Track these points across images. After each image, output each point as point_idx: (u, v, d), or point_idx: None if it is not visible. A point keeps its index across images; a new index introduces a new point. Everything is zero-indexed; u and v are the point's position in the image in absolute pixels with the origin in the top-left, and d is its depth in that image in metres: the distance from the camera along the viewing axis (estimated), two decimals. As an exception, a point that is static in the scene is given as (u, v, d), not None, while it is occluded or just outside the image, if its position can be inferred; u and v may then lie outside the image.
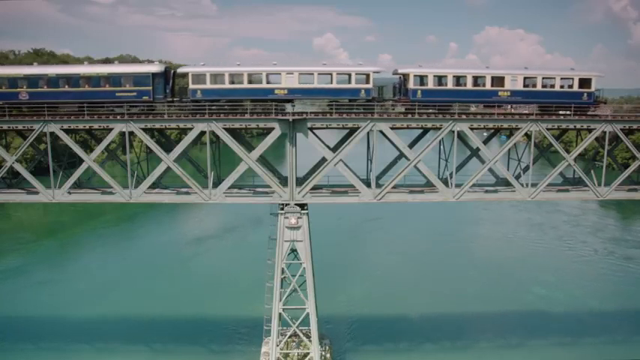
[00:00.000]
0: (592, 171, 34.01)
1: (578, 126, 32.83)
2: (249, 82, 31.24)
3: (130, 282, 52.17)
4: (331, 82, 31.30)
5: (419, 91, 31.43)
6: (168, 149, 31.86)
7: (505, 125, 32.72)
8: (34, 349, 38.83)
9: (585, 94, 32.10)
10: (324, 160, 32.45)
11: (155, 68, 31.01)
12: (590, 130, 32.62)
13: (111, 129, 30.82)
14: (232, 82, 31.21)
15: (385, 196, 32.18)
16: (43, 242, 67.17)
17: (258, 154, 31.52)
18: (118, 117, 30.72)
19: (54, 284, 51.61)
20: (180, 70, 32.43)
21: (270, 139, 31.12)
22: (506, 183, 33.71)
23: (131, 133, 30.92)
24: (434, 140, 32.06)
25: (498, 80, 31.98)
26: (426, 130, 34.31)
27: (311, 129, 31.54)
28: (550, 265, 59.41)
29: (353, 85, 31.25)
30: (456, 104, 31.59)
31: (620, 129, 32.08)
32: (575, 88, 32.20)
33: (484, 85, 32.05)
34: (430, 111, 32.31)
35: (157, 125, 31.21)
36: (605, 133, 32.35)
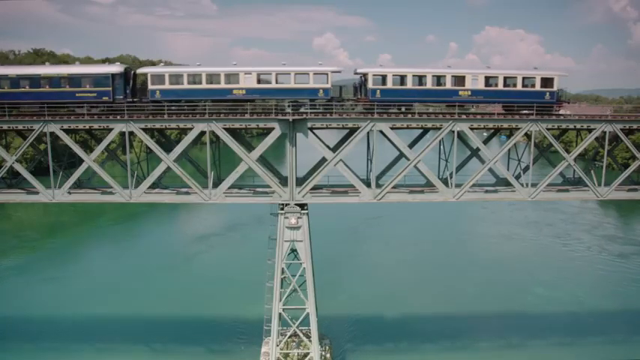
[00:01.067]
0: (592, 171, 34.02)
1: (578, 126, 32.83)
2: (208, 82, 31.30)
3: (130, 282, 52.16)
4: (290, 83, 31.29)
5: (378, 91, 31.24)
6: (168, 149, 31.85)
7: (505, 125, 32.72)
8: (34, 349, 38.82)
9: (548, 94, 32.02)
10: (324, 160, 32.44)
11: (115, 69, 31.14)
12: (590, 130, 32.61)
13: (111, 129, 30.82)
14: (191, 83, 31.27)
15: (385, 196, 32.18)
16: (43, 242, 67.12)
17: (258, 154, 31.52)
18: (118, 117, 30.73)
19: (54, 284, 51.57)
20: (139, 71, 32.44)
21: (270, 139, 31.12)
22: (506, 183, 33.70)
23: (131, 133, 30.92)
24: (434, 140, 32.05)
25: (459, 80, 31.85)
26: (426, 130, 34.31)
27: (311, 129, 31.53)
28: (550, 265, 59.44)
29: (311, 85, 31.21)
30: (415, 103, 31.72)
31: (620, 129, 32.07)
32: (538, 87, 32.07)
33: (445, 84, 31.89)
34: (430, 111, 32.33)
35: (157, 125, 31.21)
36: (605, 133, 32.34)
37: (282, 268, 32.40)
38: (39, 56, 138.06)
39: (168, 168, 31.26)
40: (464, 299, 48.71)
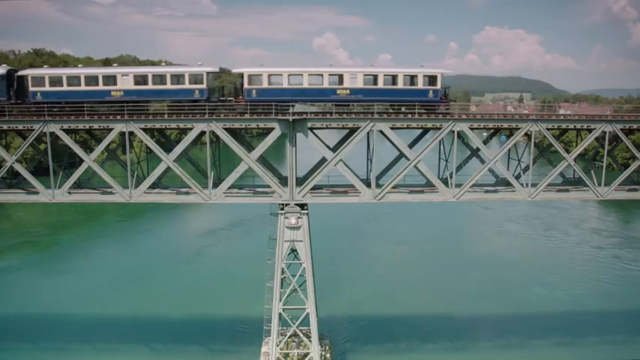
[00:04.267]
0: (592, 171, 34.00)
1: (578, 126, 32.81)
2: (87, 84, 31.19)
3: (130, 282, 52.14)
4: (166, 84, 31.12)
5: (254, 91, 30.88)
6: (168, 149, 31.84)
7: (505, 125, 32.69)
8: (34, 349, 38.85)
9: (431, 92, 31.20)
10: (324, 160, 32.43)
11: None
12: (590, 130, 32.59)
13: (111, 129, 30.83)
14: (70, 85, 31.20)
15: (385, 196, 32.17)
16: (43, 242, 67.10)
17: (258, 154, 31.51)
18: (118, 117, 30.72)
19: (54, 284, 51.58)
20: (20, 73, 32.09)
21: (270, 139, 31.11)
22: (506, 183, 33.69)
23: (131, 133, 30.92)
24: (434, 140, 32.02)
25: (337, 78, 31.27)
26: (426, 130, 34.29)
27: (311, 129, 31.52)
28: (550, 265, 59.42)
29: (187, 85, 31.07)
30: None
31: (620, 129, 32.06)
32: (420, 85, 31.23)
33: (322, 83, 31.28)
34: (423, 112, 32.00)
35: (157, 125, 31.21)
36: (605, 133, 32.32)
37: (282, 268, 32.39)
38: (39, 56, 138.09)
39: (168, 168, 31.25)
40: (464, 299, 48.71)
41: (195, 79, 31.03)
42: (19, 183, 34.31)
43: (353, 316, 44.39)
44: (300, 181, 32.28)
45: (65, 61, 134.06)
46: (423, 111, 31.40)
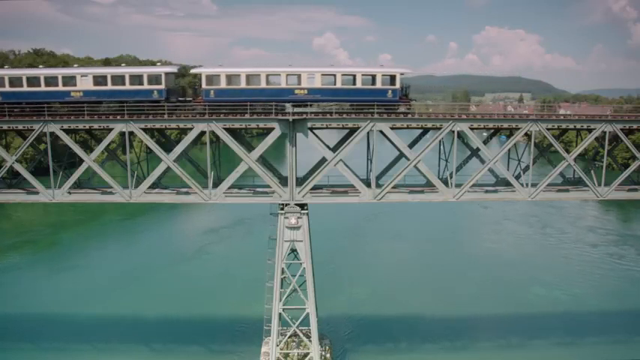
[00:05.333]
0: (592, 171, 34.00)
1: (578, 126, 32.82)
2: (47, 84, 31.19)
3: (130, 281, 52.14)
4: (125, 84, 31.11)
5: (212, 91, 30.82)
6: (168, 149, 31.85)
7: (505, 125, 32.69)
8: (34, 349, 38.84)
9: (390, 92, 31.00)
10: (324, 160, 32.44)
11: None
12: (590, 130, 32.59)
13: (111, 129, 30.84)
14: (30, 85, 31.18)
15: (385, 196, 32.18)
16: (43, 242, 67.09)
17: (258, 154, 31.52)
18: (118, 117, 30.72)
19: (54, 284, 51.57)
20: None
21: (270, 139, 31.11)
22: (506, 183, 33.69)
23: (131, 133, 30.93)
24: (434, 140, 32.02)
25: (295, 78, 31.14)
26: (426, 130, 34.30)
27: (311, 129, 31.52)
28: (550, 265, 59.42)
29: (145, 86, 31.06)
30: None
31: (620, 129, 32.07)
32: (379, 85, 31.05)
33: (280, 83, 31.19)
34: (420, 112, 31.97)
35: (157, 125, 31.21)
36: (605, 133, 32.33)
37: (282, 268, 32.40)
38: (39, 56, 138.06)
39: (168, 168, 31.25)
40: (464, 299, 48.70)
41: (154, 79, 31.04)
42: (19, 183, 34.32)
43: (353, 316, 44.39)
44: (300, 181, 32.28)
45: (65, 61, 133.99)
46: (382, 110, 31.18)
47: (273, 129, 30.78)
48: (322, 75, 30.92)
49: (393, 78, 30.95)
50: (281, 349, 33.73)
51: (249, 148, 32.91)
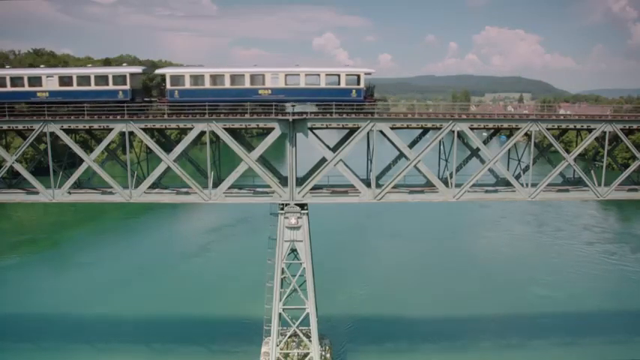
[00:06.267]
0: (592, 171, 33.99)
1: (578, 126, 32.81)
2: (12, 85, 31.07)
3: (130, 281, 52.17)
4: (90, 85, 31.03)
5: (176, 92, 30.82)
6: (168, 149, 31.85)
7: (505, 125, 32.69)
8: (34, 349, 38.82)
9: (354, 91, 30.88)
10: (324, 160, 32.42)
11: None
12: (590, 130, 32.59)
13: (111, 129, 30.83)
14: None
15: (385, 196, 32.17)
16: (43, 242, 67.13)
17: (258, 154, 31.51)
18: (118, 117, 30.72)
19: (54, 284, 51.60)
20: None
21: (270, 139, 31.10)
22: (506, 183, 33.68)
23: (131, 133, 30.93)
24: (434, 140, 32.02)
25: (259, 78, 31.08)
26: (426, 130, 34.30)
27: (311, 129, 31.52)
28: (550, 265, 59.42)
29: (110, 86, 31.10)
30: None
31: (620, 129, 32.05)
32: (343, 85, 30.97)
33: (243, 83, 31.16)
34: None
35: (157, 125, 31.22)
36: (605, 133, 32.32)
37: (282, 268, 32.38)
38: (39, 56, 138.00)
39: (168, 168, 31.25)
40: (464, 299, 48.70)
41: (119, 80, 31.08)
42: (19, 183, 34.31)
43: (353, 316, 44.41)
44: (300, 181, 32.27)
45: (65, 61, 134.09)
46: (349, 110, 31.10)
47: (273, 129, 30.78)
48: (286, 75, 30.96)
49: (357, 78, 30.88)
50: (281, 349, 33.72)
51: (249, 148, 32.89)
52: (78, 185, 33.69)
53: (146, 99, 33.30)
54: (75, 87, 31.12)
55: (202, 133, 31.23)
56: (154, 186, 32.37)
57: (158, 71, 32.27)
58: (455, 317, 45.34)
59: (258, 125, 31.26)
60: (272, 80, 30.80)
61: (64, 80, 31.10)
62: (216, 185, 31.96)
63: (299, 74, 30.93)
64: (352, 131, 31.80)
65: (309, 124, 31.10)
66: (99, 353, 38.57)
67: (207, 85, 30.82)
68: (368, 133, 31.34)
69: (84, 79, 31.12)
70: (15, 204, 56.06)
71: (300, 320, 33.05)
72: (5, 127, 31.18)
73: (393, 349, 39.89)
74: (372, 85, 32.36)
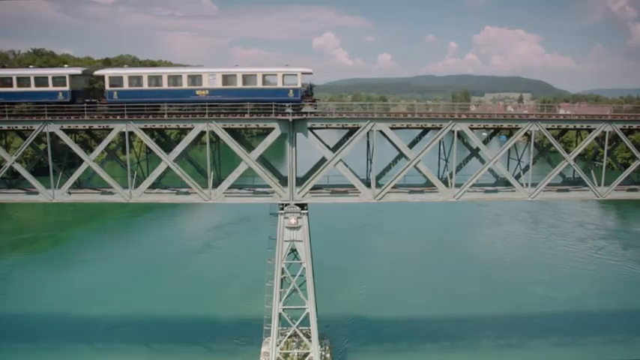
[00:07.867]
0: (592, 171, 34.00)
1: (578, 126, 32.81)
2: None
3: (130, 281, 52.18)
4: (30, 86, 31.04)
5: (115, 93, 30.87)
6: (168, 149, 31.85)
7: (505, 125, 32.69)
8: (34, 349, 38.83)
9: (291, 91, 30.76)
10: (324, 160, 32.42)
11: None
12: (590, 130, 32.59)
13: (111, 129, 30.84)
14: None
15: (385, 196, 32.17)
16: (43, 242, 67.16)
17: (258, 154, 31.50)
18: (118, 117, 30.72)
19: (54, 284, 51.62)
20: None
21: (270, 139, 31.10)
22: (506, 183, 33.68)
23: (131, 133, 30.93)
24: (434, 140, 32.02)
25: (196, 79, 31.12)
26: (426, 130, 34.30)
27: (311, 129, 31.52)
28: (550, 265, 59.43)
29: (50, 88, 31.08)
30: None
31: (620, 129, 32.05)
32: (280, 85, 30.95)
33: (181, 84, 31.20)
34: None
35: (157, 125, 31.22)
36: (605, 133, 32.32)
37: (282, 268, 32.38)
38: (39, 56, 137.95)
39: (168, 168, 31.24)
40: (463, 298, 48.73)
41: (59, 81, 31.11)
42: (19, 183, 34.31)
43: (353, 316, 44.41)
44: (300, 181, 32.27)
45: (65, 61, 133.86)
46: (290, 110, 30.76)
47: (273, 129, 30.78)
48: (223, 75, 31.06)
49: (294, 77, 30.92)
50: (281, 349, 33.72)
51: (249, 148, 32.88)
52: (78, 185, 33.68)
53: (94, 100, 33.11)
54: (15, 88, 31.16)
55: (202, 133, 31.22)
56: (153, 186, 32.35)
57: (97, 72, 32.21)
58: (455, 317, 45.34)
59: (258, 125, 31.26)
60: (209, 81, 30.94)
61: (6, 81, 31.13)
62: (216, 185, 31.96)
63: (236, 75, 31.03)
64: (352, 131, 31.81)
65: (309, 124, 31.10)
66: (99, 353, 38.58)
67: (146, 85, 30.97)
68: (368, 133, 31.34)
69: (24, 80, 31.17)
70: (15, 204, 56.09)
71: (300, 320, 33.04)
72: (5, 127, 31.17)
73: (393, 348, 39.90)
74: (310, 84, 32.55)
